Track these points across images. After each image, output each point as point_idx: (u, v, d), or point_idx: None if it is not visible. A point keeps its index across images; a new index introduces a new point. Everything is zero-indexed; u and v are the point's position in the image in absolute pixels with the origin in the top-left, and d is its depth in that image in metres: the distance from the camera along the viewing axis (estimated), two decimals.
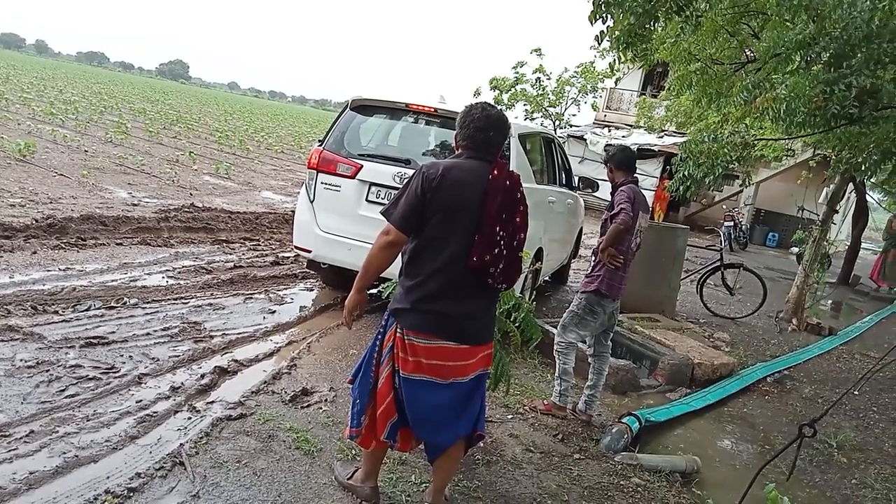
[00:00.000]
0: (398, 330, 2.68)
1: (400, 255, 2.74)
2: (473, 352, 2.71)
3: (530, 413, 4.31)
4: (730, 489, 3.87)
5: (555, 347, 4.36)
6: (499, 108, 2.81)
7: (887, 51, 4.73)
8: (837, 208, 9.38)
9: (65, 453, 2.93)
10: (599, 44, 5.55)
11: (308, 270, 6.64)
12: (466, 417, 2.78)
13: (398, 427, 2.78)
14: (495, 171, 2.65)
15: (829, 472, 4.44)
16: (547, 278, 7.81)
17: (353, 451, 3.31)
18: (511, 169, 2.73)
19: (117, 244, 6.57)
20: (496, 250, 2.60)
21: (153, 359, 4.07)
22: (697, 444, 4.57)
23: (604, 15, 5.01)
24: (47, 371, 3.65)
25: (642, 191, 4.52)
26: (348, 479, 3.01)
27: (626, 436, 4.10)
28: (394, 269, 2.81)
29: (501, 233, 2.61)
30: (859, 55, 4.71)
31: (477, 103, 2.79)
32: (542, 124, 22.03)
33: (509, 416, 4.21)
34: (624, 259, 4.20)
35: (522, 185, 2.75)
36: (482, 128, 2.69)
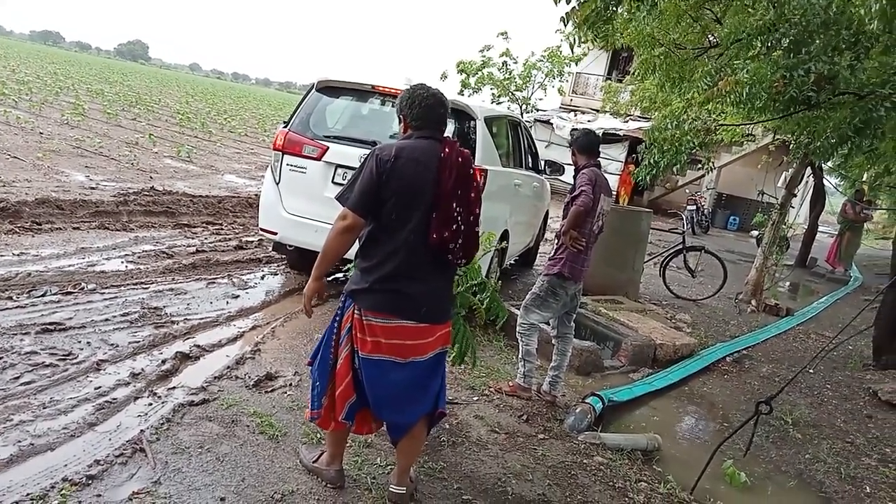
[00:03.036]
0: (356, 311, 2.70)
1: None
2: (432, 330, 2.75)
3: (495, 394, 4.34)
4: (690, 466, 3.96)
5: (517, 329, 4.40)
6: (435, 88, 2.84)
7: (844, 38, 4.83)
8: (796, 192, 9.59)
9: (20, 442, 2.86)
10: (566, 25, 5.55)
11: (272, 254, 6.57)
12: (427, 396, 2.81)
13: (356, 409, 2.80)
14: (446, 149, 2.69)
15: (785, 447, 4.58)
16: (513, 261, 7.85)
17: (319, 436, 3.29)
18: (461, 149, 2.77)
19: (74, 228, 6.41)
20: (454, 226, 2.65)
21: (112, 345, 3.99)
22: (659, 423, 4.67)
23: None
24: (1, 358, 3.55)
25: (607, 175, 4.55)
26: (314, 462, 3.01)
27: (589, 416, 4.17)
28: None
29: (458, 209, 2.66)
30: (817, 41, 4.80)
31: (417, 84, 2.84)
32: (509, 108, 22.02)
33: (475, 398, 4.24)
34: (586, 242, 4.24)
35: (473, 163, 2.79)
36: (432, 105, 2.75)
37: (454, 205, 2.65)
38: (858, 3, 5.02)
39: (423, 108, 2.75)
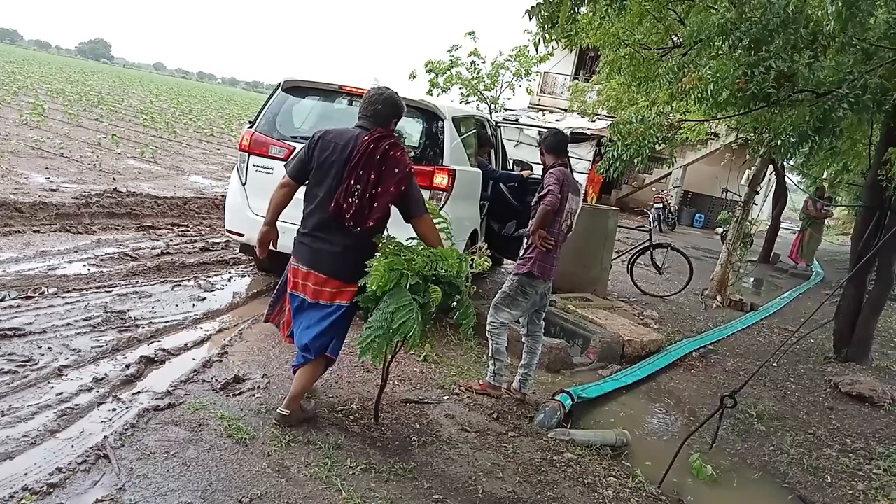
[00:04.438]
0: (292, 258, 3.48)
1: None
2: (332, 283, 3.34)
3: (466, 393, 4.35)
4: (658, 460, 4.01)
5: (487, 328, 4.41)
6: (392, 90, 3.46)
7: (802, 36, 4.95)
8: (758, 189, 9.78)
9: None
10: (530, 19, 5.56)
11: (239, 256, 6.49)
12: (324, 336, 3.38)
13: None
14: (366, 137, 3.28)
15: (750, 440, 4.67)
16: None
17: (287, 438, 3.28)
18: (386, 138, 3.31)
19: (34, 231, 6.25)
20: (350, 199, 3.24)
21: (74, 350, 3.90)
22: (628, 419, 4.72)
23: None
24: None
25: (576, 174, 4.59)
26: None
27: (559, 412, 4.20)
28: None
29: (356, 185, 3.24)
30: (777, 40, 4.90)
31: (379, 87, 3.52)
32: (478, 108, 22.06)
33: (445, 397, 4.24)
34: (555, 241, 4.27)
35: (395, 151, 3.30)
36: (372, 101, 3.40)
37: (353, 181, 3.23)
38: (815, 3, 5.15)
39: (366, 103, 3.41)
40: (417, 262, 3.26)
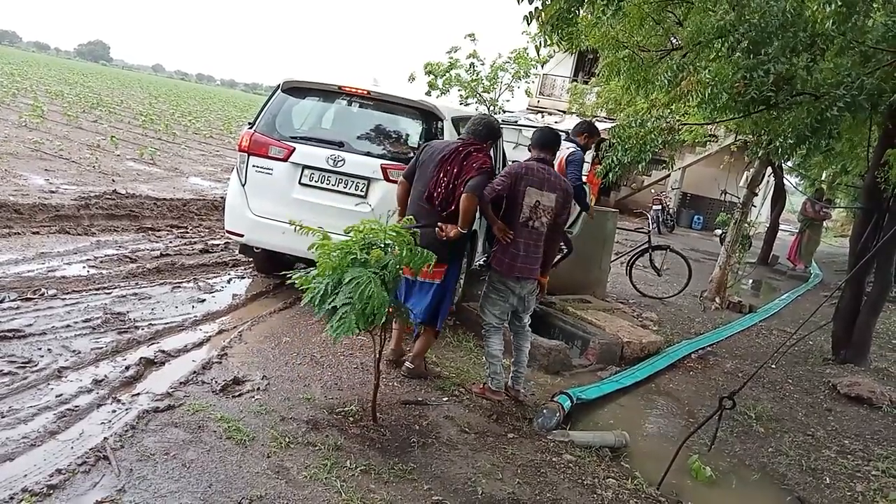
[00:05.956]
0: None
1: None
2: None
3: (465, 395, 4.35)
4: (657, 461, 4.01)
5: (482, 331, 4.42)
6: (494, 118, 4.49)
7: (801, 39, 4.95)
8: (757, 191, 9.78)
9: None
10: (529, 24, 5.56)
11: (239, 257, 6.49)
12: (425, 308, 4.20)
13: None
14: (460, 147, 4.16)
15: (748, 441, 4.67)
16: (482, 262, 7.87)
17: (287, 440, 3.28)
18: (474, 145, 4.19)
19: (33, 233, 6.26)
20: (439, 188, 4.10)
21: (74, 351, 3.90)
22: (627, 420, 4.73)
23: None
24: None
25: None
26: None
27: (558, 414, 4.19)
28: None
29: (444, 178, 4.10)
30: (776, 43, 4.91)
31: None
32: (476, 110, 22.07)
33: (444, 399, 4.24)
34: (515, 235, 4.16)
35: (478, 153, 4.15)
36: (475, 122, 4.35)
37: (441, 174, 4.10)
38: (814, 6, 5.16)
39: (469, 123, 4.37)
40: (355, 252, 3.41)
